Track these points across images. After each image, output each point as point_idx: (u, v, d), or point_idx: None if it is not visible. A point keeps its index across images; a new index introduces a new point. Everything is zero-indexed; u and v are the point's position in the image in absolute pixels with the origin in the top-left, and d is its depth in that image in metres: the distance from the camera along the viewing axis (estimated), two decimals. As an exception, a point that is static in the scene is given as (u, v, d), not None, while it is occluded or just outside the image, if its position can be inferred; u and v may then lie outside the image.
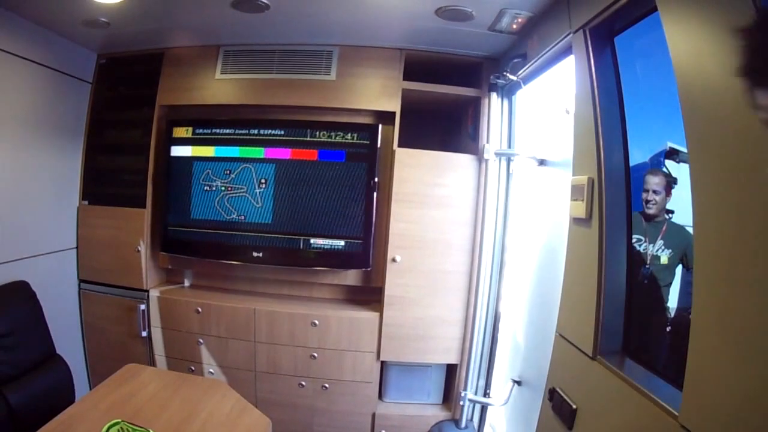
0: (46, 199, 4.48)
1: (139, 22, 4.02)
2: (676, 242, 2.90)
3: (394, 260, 4.21)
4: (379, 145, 4.39)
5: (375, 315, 4.38)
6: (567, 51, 2.98)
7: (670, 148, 2.86)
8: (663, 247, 2.91)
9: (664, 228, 2.96)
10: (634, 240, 2.68)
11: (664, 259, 2.86)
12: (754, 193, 1.46)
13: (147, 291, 4.67)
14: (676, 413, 1.71)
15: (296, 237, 4.44)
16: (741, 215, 1.51)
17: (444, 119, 5.08)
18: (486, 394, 4.36)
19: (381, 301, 4.37)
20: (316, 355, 4.31)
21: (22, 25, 3.91)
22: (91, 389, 3.12)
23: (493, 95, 4.25)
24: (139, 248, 4.63)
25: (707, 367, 1.61)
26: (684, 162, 1.77)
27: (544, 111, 4.04)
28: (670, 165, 2.88)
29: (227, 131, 4.55)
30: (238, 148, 4.52)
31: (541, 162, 3.94)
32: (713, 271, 1.63)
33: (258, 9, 3.67)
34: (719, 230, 1.61)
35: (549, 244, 3.85)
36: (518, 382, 4.20)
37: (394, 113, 4.37)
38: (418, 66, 4.43)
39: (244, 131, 4.52)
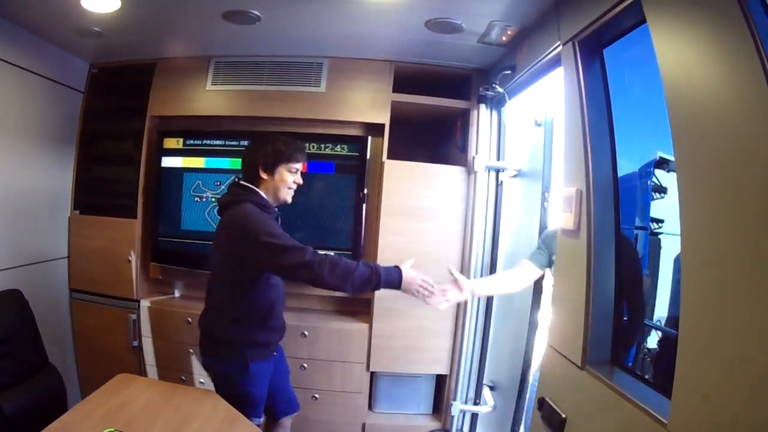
0: (38, 208, 4.49)
1: (132, 32, 4.04)
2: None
3: (383, 272, 4.22)
4: (368, 157, 4.42)
5: (364, 326, 4.40)
6: (556, 63, 3.00)
7: (660, 157, 2.88)
8: None
9: None
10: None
11: None
12: (741, 202, 1.48)
13: (138, 301, 4.67)
14: (665, 421, 1.73)
15: (286, 247, 4.43)
16: (728, 224, 1.53)
17: (433, 131, 5.08)
18: (476, 402, 4.37)
19: (370, 313, 4.38)
20: (306, 365, 4.31)
21: (14, 33, 3.93)
22: (82, 398, 3.11)
23: (482, 107, 4.26)
24: (130, 258, 4.63)
25: (696, 376, 1.63)
26: (674, 171, 1.79)
27: (517, 123, 4.09)
28: (660, 174, 2.90)
29: (218, 142, 4.56)
30: (228, 159, 4.53)
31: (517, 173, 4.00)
32: (701, 280, 1.64)
33: (249, 21, 3.69)
34: (707, 239, 1.63)
35: (514, 251, 3.89)
36: (492, 387, 4.23)
37: (383, 125, 4.39)
38: (408, 78, 4.45)
39: (234, 143, 4.53)
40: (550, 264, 3.28)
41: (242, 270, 3.03)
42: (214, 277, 3.35)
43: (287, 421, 3.64)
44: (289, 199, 3.23)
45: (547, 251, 3.31)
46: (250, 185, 3.15)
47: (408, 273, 3.06)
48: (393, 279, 3.02)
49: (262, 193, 3.14)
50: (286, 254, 2.84)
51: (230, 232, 3.06)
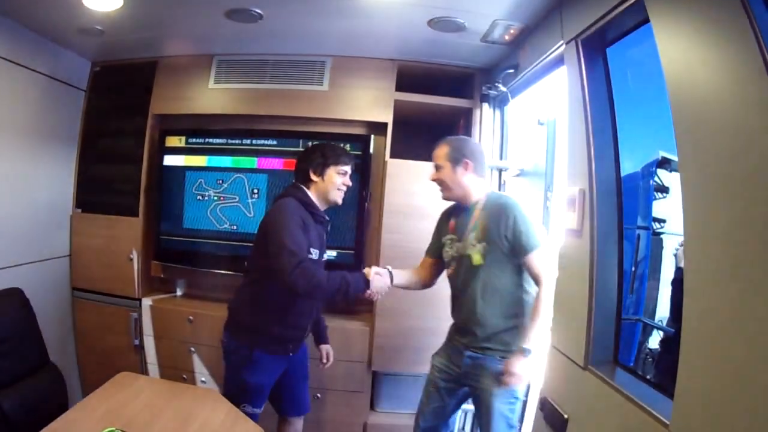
0: (39, 206, 4.49)
1: (134, 30, 4.04)
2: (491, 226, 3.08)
3: (386, 271, 4.22)
4: (371, 156, 4.43)
5: (366, 325, 4.41)
6: (558, 62, 3.00)
7: (662, 157, 2.87)
8: (474, 242, 3.10)
9: (475, 214, 3.17)
10: (448, 239, 3.31)
11: (477, 257, 3.07)
12: (744, 201, 1.47)
13: (139, 300, 4.67)
14: (667, 422, 1.72)
15: (288, 247, 4.42)
16: (732, 223, 1.52)
17: (436, 130, 5.03)
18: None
19: (372, 312, 4.38)
20: (307, 364, 4.31)
21: (16, 31, 3.92)
22: (83, 397, 3.10)
23: (485, 106, 4.26)
24: (132, 257, 4.62)
25: (698, 376, 1.62)
26: (676, 171, 1.78)
27: (519, 122, 4.08)
28: (662, 174, 2.90)
29: (220, 141, 4.56)
30: (230, 158, 4.54)
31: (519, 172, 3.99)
32: (704, 280, 1.64)
33: (251, 19, 3.68)
34: (710, 238, 1.62)
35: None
36: None
37: (386, 124, 4.40)
38: (411, 77, 4.44)
39: (236, 141, 4.53)
40: (440, 252, 3.40)
41: (267, 258, 3.05)
42: (250, 259, 3.47)
43: (296, 421, 3.70)
44: (339, 201, 3.44)
45: (437, 237, 3.47)
46: (301, 185, 3.34)
47: (374, 279, 3.22)
48: (360, 286, 3.15)
49: (309, 193, 3.34)
50: (283, 253, 2.95)
51: (265, 219, 3.27)
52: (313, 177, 3.34)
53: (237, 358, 3.28)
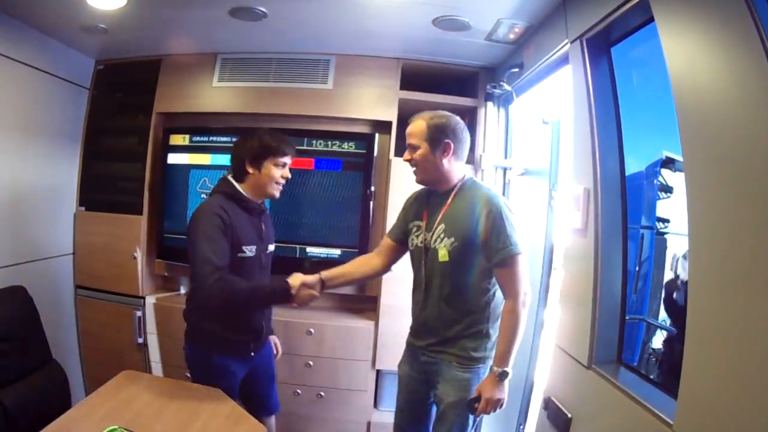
0: (43, 204, 4.50)
1: (137, 28, 4.04)
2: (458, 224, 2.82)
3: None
4: (375, 155, 4.42)
5: (370, 324, 4.40)
6: (563, 61, 2.99)
7: (666, 157, 2.87)
8: (443, 235, 2.85)
9: (447, 203, 2.91)
10: (414, 233, 3.04)
11: (443, 253, 2.82)
12: (749, 201, 1.47)
13: (143, 298, 4.68)
14: (671, 422, 1.72)
15: (292, 245, 4.46)
16: (736, 223, 1.52)
17: (440, 129, 5.07)
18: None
19: (376, 311, 4.38)
20: (311, 363, 4.30)
21: (20, 29, 3.93)
22: (86, 395, 3.10)
23: (490, 105, 4.26)
24: (136, 255, 4.62)
25: (702, 375, 1.62)
26: (680, 171, 1.78)
27: (524, 121, 4.07)
28: (666, 174, 2.89)
29: (224, 139, 4.55)
30: (234, 156, 4.51)
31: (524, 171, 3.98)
32: (708, 279, 1.63)
33: (255, 17, 3.68)
34: (714, 238, 1.62)
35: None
36: None
37: (390, 122, 4.40)
38: (415, 75, 4.44)
39: (240, 139, 4.51)
40: (403, 237, 3.13)
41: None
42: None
43: (267, 420, 3.55)
44: (277, 194, 3.21)
45: (403, 219, 3.17)
46: (231, 179, 3.17)
47: (298, 292, 3.04)
48: (284, 298, 3.04)
49: (240, 187, 3.14)
50: (197, 262, 2.83)
51: (191, 221, 3.04)
52: (249, 169, 3.12)
53: (199, 366, 3.22)
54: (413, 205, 3.14)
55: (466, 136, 2.93)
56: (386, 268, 3.26)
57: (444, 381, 2.89)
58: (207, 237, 2.86)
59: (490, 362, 2.81)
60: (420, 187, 3.12)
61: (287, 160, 3.18)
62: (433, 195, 3.00)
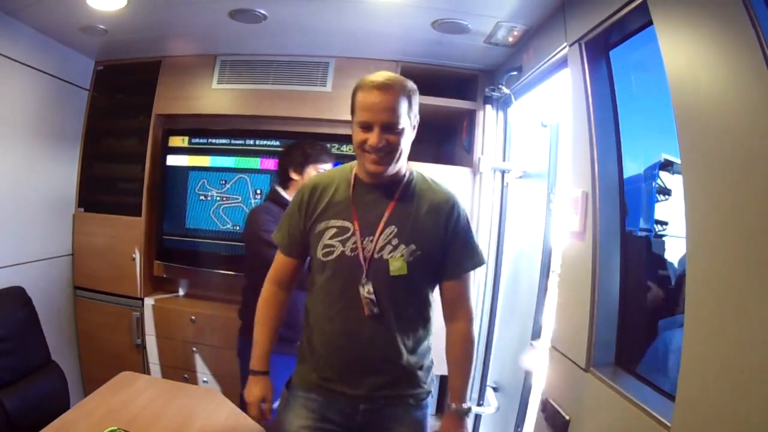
0: (42, 205, 4.51)
1: (137, 29, 4.05)
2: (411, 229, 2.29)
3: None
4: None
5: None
6: (562, 64, 3.00)
7: (664, 159, 2.87)
8: (395, 242, 2.27)
9: (393, 202, 2.33)
10: (330, 237, 2.28)
11: (399, 264, 2.26)
12: (747, 204, 1.48)
13: (142, 299, 4.69)
14: (669, 423, 1.72)
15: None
16: (734, 225, 1.52)
17: (439, 132, 5.07)
18: (480, 404, 4.35)
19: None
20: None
21: (19, 30, 3.94)
22: (85, 396, 3.11)
23: (488, 108, 4.25)
24: (135, 256, 4.63)
25: (699, 377, 1.62)
26: (678, 173, 1.78)
27: (522, 124, 4.08)
28: (665, 176, 2.89)
29: (223, 141, 4.56)
30: (233, 158, 4.54)
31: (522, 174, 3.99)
32: (706, 282, 1.64)
33: (255, 20, 3.69)
34: (712, 241, 1.62)
35: (519, 253, 3.87)
36: (495, 389, 4.22)
37: (389, 125, 4.35)
38: (414, 78, 4.36)
39: (240, 142, 4.54)
40: (305, 249, 2.43)
41: (257, 270, 3.02)
42: (244, 268, 3.65)
43: None
44: None
45: (301, 223, 2.41)
46: (278, 188, 3.53)
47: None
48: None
49: (285, 193, 3.45)
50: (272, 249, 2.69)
51: (243, 234, 3.43)
52: (293, 175, 3.42)
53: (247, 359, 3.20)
54: (321, 200, 2.37)
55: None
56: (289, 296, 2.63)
57: (399, 426, 2.37)
58: (267, 229, 3.08)
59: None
60: (322, 174, 2.67)
61: (327, 166, 3.41)
62: (362, 188, 2.36)
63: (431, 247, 2.31)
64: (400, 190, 2.35)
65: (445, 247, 2.34)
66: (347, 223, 2.30)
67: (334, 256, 2.29)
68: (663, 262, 2.84)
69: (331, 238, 2.30)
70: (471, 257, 2.40)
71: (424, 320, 2.44)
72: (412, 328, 2.37)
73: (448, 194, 2.42)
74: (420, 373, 2.42)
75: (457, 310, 2.44)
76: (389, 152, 2.24)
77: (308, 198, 2.39)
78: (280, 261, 2.54)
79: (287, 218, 2.47)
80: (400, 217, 2.29)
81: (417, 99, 2.40)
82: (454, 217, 2.36)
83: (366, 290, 2.25)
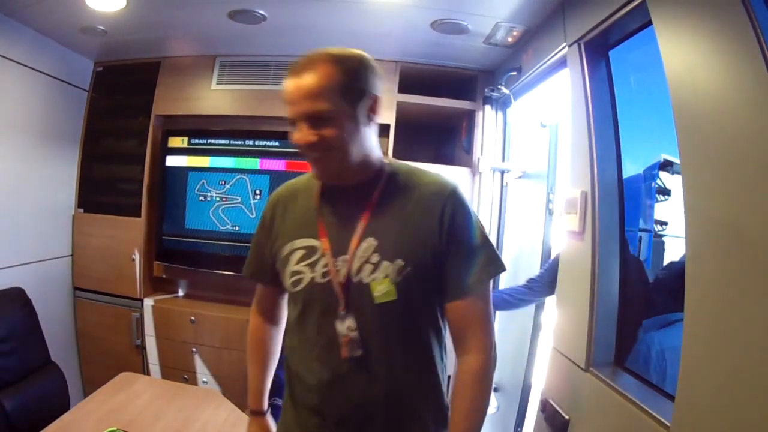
0: (41, 206, 4.50)
1: (136, 30, 4.05)
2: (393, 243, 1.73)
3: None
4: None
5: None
6: (561, 64, 3.00)
7: (664, 159, 2.87)
8: (377, 259, 1.71)
9: (370, 205, 1.77)
10: (297, 262, 1.81)
11: (384, 288, 1.70)
12: (746, 204, 1.48)
13: (141, 300, 4.68)
14: (668, 423, 1.72)
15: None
16: (733, 226, 1.52)
17: (438, 132, 5.07)
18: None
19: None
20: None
21: (19, 31, 3.93)
22: (85, 397, 3.12)
23: (488, 108, 4.24)
24: (134, 257, 4.63)
25: (699, 378, 1.62)
26: (678, 173, 1.77)
27: (522, 124, 4.07)
28: (664, 176, 2.89)
29: (222, 142, 4.55)
30: (233, 158, 4.53)
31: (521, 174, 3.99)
32: (705, 282, 1.64)
33: (254, 20, 3.69)
34: (711, 241, 1.62)
35: (519, 253, 3.87)
36: (495, 388, 4.21)
37: (389, 126, 4.38)
38: (413, 78, 4.44)
39: (239, 142, 4.52)
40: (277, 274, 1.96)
41: None
42: None
43: None
44: None
45: (268, 244, 1.97)
46: None
47: None
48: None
49: None
50: None
51: None
52: None
53: None
54: (285, 216, 1.92)
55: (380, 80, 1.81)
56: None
57: None
58: None
59: None
60: (293, 183, 2.04)
61: None
62: (332, 195, 1.85)
63: (424, 260, 1.71)
64: (379, 190, 1.77)
65: (443, 257, 1.72)
66: (314, 242, 1.79)
67: (303, 285, 1.79)
68: (662, 262, 2.85)
69: (298, 262, 1.80)
70: (479, 265, 1.75)
71: (430, 357, 1.82)
72: (414, 369, 1.79)
73: (441, 183, 1.78)
74: (428, 422, 1.83)
75: (467, 341, 1.78)
76: (326, 150, 1.68)
77: (270, 216, 1.97)
78: (259, 290, 2.21)
79: (254, 244, 2.09)
80: (379, 226, 1.73)
81: (368, 71, 1.73)
82: (450, 213, 1.71)
83: (346, 326, 1.72)
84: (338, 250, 1.74)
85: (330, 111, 1.63)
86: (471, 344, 1.77)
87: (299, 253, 1.80)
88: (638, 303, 2.59)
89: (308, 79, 1.64)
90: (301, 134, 1.70)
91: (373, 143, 1.79)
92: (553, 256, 3.50)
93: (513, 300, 3.47)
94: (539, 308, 3.63)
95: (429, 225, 1.71)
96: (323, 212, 1.82)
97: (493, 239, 4.22)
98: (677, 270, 2.23)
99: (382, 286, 1.68)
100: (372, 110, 1.74)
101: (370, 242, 1.71)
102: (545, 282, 3.32)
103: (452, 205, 1.72)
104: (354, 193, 1.78)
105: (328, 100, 1.62)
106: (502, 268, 1.81)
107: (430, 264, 1.71)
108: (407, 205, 1.74)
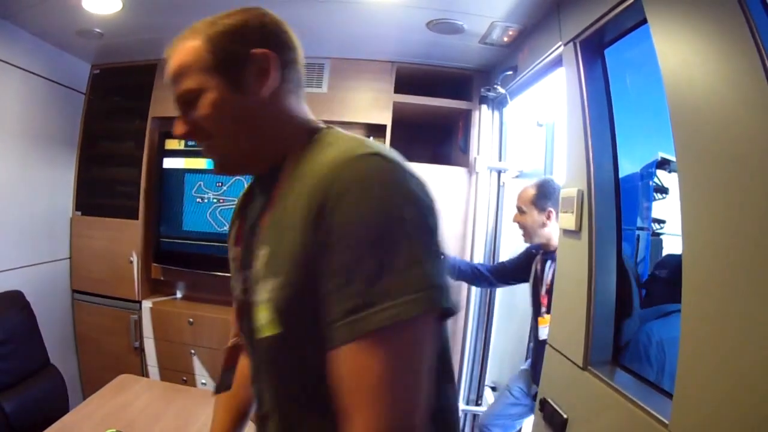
0: (39, 209, 4.50)
1: (133, 33, 4.04)
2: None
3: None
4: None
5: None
6: (557, 63, 2.99)
7: (661, 158, 2.87)
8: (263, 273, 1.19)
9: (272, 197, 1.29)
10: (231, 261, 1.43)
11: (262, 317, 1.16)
12: (742, 202, 1.48)
13: (139, 302, 4.68)
14: (666, 422, 1.72)
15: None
16: (730, 223, 1.52)
17: (435, 132, 5.07)
18: (478, 403, 4.36)
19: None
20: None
21: (15, 34, 3.93)
22: (84, 399, 3.11)
23: (484, 108, 4.25)
24: (132, 259, 4.63)
25: (697, 375, 1.63)
26: (675, 172, 1.78)
27: (518, 124, 4.08)
28: (662, 175, 2.89)
29: (219, 143, 4.53)
30: (230, 159, 4.51)
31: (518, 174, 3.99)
32: (702, 279, 1.64)
33: (251, 21, 3.68)
34: (708, 238, 1.62)
35: (515, 253, 3.88)
36: (493, 388, 4.22)
37: (385, 126, 4.40)
38: (410, 79, 4.44)
39: (236, 143, 4.50)
40: None
41: None
42: None
43: None
44: None
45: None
46: None
47: None
48: None
49: None
50: None
51: None
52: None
53: None
54: (234, 219, 1.53)
55: (290, 37, 1.47)
56: None
57: None
58: None
59: None
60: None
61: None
62: (256, 185, 1.45)
63: (301, 277, 1.07)
64: (284, 176, 1.25)
65: (317, 276, 1.05)
66: (234, 250, 1.41)
67: (235, 306, 1.39)
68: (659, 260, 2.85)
69: (234, 275, 1.40)
70: (382, 294, 0.97)
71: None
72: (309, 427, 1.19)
73: (330, 163, 1.09)
74: None
75: (346, 420, 1.00)
76: (205, 138, 1.29)
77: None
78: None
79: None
80: (274, 230, 1.19)
81: (248, 28, 1.31)
82: (332, 206, 1.03)
83: (251, 359, 1.37)
84: (245, 264, 1.30)
85: (194, 90, 1.27)
86: (348, 426, 1.00)
87: (232, 266, 1.43)
88: (635, 301, 2.59)
89: (172, 60, 1.33)
90: (176, 124, 1.33)
91: (285, 113, 1.34)
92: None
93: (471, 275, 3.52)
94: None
95: (301, 226, 1.06)
96: (244, 213, 1.44)
97: (490, 239, 4.22)
98: (674, 262, 2.25)
99: (262, 316, 1.15)
100: (263, 72, 1.26)
101: (265, 251, 1.18)
102: (507, 272, 3.40)
103: (338, 190, 1.03)
104: (268, 182, 1.29)
105: (190, 77, 1.27)
106: (440, 304, 1.01)
107: (312, 285, 1.05)
108: (289, 200, 1.15)
